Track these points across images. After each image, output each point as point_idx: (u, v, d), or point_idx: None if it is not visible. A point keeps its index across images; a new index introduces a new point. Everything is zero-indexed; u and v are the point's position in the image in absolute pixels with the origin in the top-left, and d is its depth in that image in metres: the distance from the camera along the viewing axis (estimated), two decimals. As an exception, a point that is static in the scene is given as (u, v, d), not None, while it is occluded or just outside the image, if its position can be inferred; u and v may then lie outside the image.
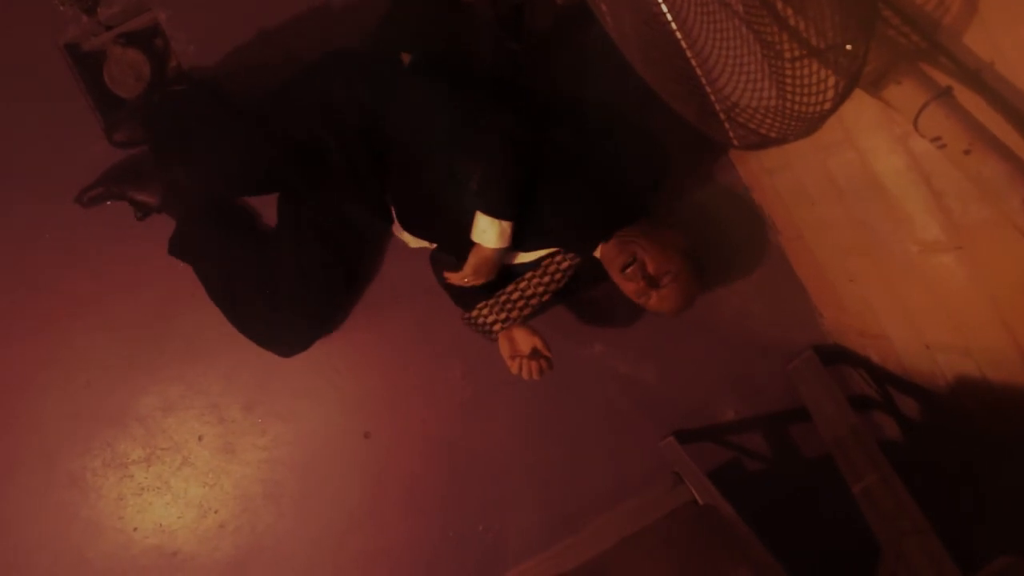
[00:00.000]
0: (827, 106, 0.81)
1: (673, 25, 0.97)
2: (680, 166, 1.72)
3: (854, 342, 1.85)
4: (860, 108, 1.17)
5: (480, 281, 1.64)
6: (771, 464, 1.98)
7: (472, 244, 1.59)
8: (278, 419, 1.93)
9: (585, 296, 1.87)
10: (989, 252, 1.12)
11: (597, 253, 1.63)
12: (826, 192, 1.50)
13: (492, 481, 1.95)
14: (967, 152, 0.83)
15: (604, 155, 1.57)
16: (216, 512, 1.94)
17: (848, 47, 0.75)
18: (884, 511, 1.41)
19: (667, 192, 1.80)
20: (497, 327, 1.65)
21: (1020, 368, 1.21)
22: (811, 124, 0.84)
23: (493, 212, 1.51)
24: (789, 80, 0.85)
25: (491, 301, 1.65)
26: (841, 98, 0.79)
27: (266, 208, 1.85)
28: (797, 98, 0.84)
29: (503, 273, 1.67)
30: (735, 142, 0.97)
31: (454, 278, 1.65)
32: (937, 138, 0.85)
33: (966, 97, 0.88)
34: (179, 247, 1.79)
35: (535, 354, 1.57)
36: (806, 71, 0.82)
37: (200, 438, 1.92)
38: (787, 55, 0.85)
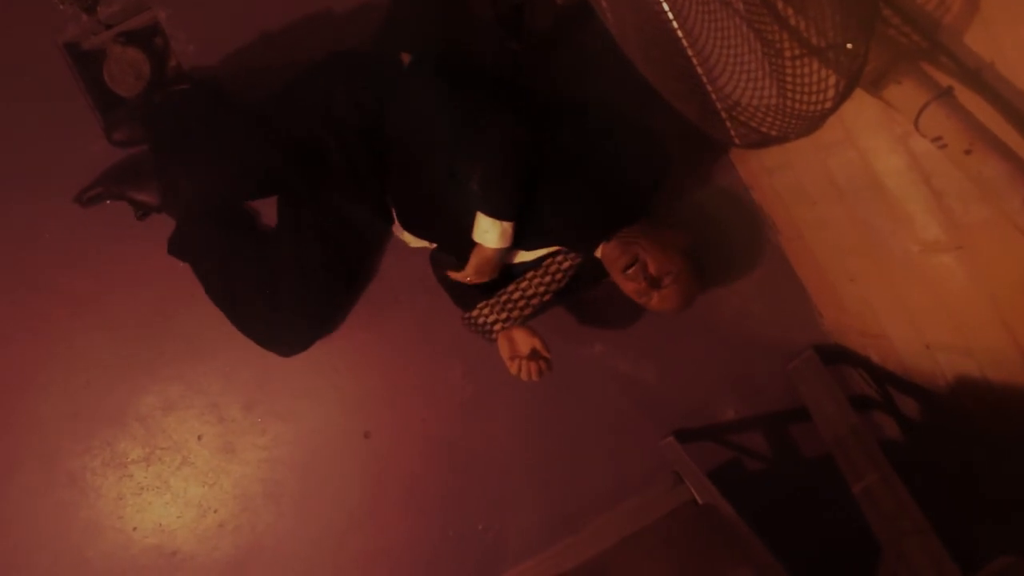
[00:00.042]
0: (828, 105, 0.81)
1: (674, 23, 0.97)
2: (680, 166, 1.72)
3: (854, 342, 1.85)
4: (861, 107, 1.17)
5: (482, 280, 1.64)
6: (771, 464, 1.98)
7: (472, 244, 1.59)
8: (278, 418, 1.93)
9: (585, 296, 1.87)
10: (990, 252, 1.12)
11: (598, 253, 1.63)
12: (826, 192, 1.50)
13: (492, 481, 1.95)
14: (968, 152, 0.83)
15: (604, 155, 1.57)
16: (216, 512, 1.94)
17: (849, 46, 0.75)
18: (884, 511, 1.41)
19: (667, 192, 1.80)
20: (498, 327, 1.65)
21: (1020, 368, 1.21)
22: (812, 123, 0.84)
23: (494, 213, 1.51)
24: (790, 79, 0.85)
25: (492, 301, 1.65)
26: (842, 97, 0.79)
27: (266, 208, 1.85)
28: (798, 97, 0.84)
29: (504, 272, 1.68)
30: (736, 140, 0.97)
31: (457, 276, 1.65)
32: (938, 138, 0.85)
33: (967, 97, 0.88)
34: (179, 247, 1.78)
35: (534, 355, 1.57)
36: (807, 70, 0.82)
37: (200, 437, 1.92)
38: (788, 54, 0.85)
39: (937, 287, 1.31)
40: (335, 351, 1.90)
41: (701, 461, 1.84)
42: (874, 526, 1.42)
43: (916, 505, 1.37)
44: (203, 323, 1.84)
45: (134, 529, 1.93)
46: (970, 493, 1.63)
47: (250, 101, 1.76)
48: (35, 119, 1.82)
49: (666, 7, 0.96)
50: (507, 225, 1.53)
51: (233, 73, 1.81)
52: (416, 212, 1.69)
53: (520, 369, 1.55)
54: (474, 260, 1.60)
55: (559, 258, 1.65)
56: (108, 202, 1.81)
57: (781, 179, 1.70)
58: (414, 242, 1.77)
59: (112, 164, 1.83)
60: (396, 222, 1.75)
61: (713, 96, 0.98)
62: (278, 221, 1.80)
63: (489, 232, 1.53)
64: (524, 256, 1.67)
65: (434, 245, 1.76)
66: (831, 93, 0.80)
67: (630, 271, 1.54)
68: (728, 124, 0.97)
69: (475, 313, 1.67)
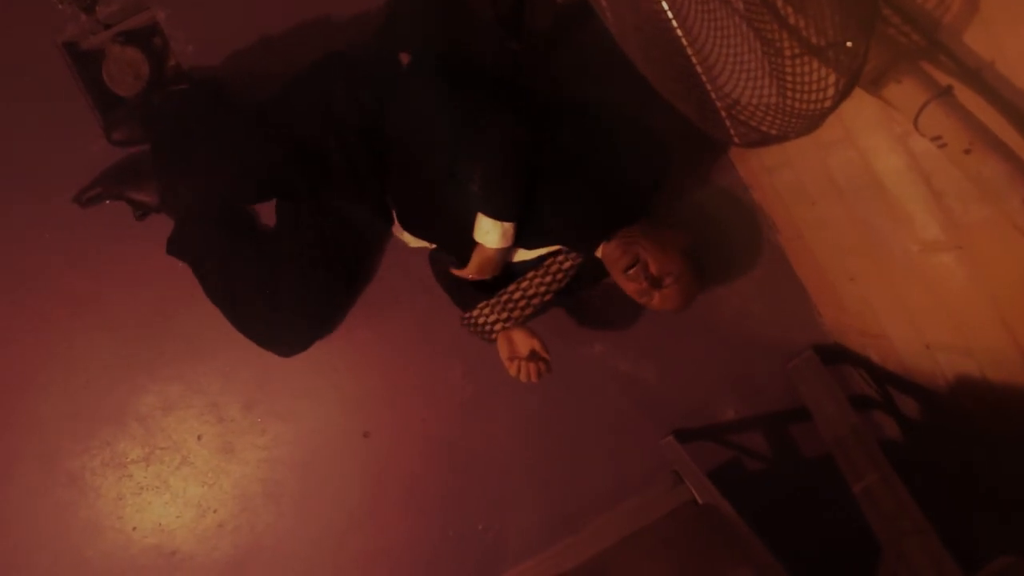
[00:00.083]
0: (827, 104, 0.81)
1: (674, 23, 0.97)
2: (680, 165, 1.72)
3: (854, 342, 1.85)
4: (860, 107, 1.17)
5: (483, 277, 1.64)
6: (771, 464, 1.98)
7: (473, 243, 1.59)
8: (278, 418, 1.93)
9: (585, 296, 1.87)
10: (989, 252, 1.12)
11: (598, 253, 1.63)
12: (826, 191, 1.49)
13: (492, 481, 1.95)
14: (967, 151, 0.83)
15: (604, 155, 1.57)
16: (215, 511, 1.94)
17: (848, 45, 0.75)
18: (885, 511, 1.41)
19: (667, 192, 1.80)
20: (498, 326, 1.65)
21: (1020, 368, 1.21)
22: (812, 122, 0.84)
23: (496, 213, 1.51)
24: (790, 78, 0.85)
25: (492, 300, 1.65)
26: (841, 96, 0.79)
27: (266, 208, 1.85)
28: (798, 96, 0.84)
29: (504, 271, 1.68)
30: (736, 140, 0.97)
31: (459, 273, 1.65)
32: (937, 137, 0.85)
33: (967, 96, 0.88)
34: (178, 247, 1.78)
35: (533, 356, 1.57)
36: (806, 69, 0.82)
37: (199, 437, 1.92)
38: (787, 53, 0.85)
39: (937, 287, 1.30)
40: (335, 351, 1.90)
41: (701, 461, 1.84)
42: (874, 526, 1.42)
43: (916, 505, 1.37)
44: (203, 323, 1.84)
45: (134, 529, 1.93)
46: (970, 493, 1.63)
47: (249, 101, 1.75)
48: (34, 119, 1.82)
49: (665, 6, 0.96)
50: (508, 225, 1.53)
51: (232, 73, 1.81)
52: (416, 212, 1.69)
53: (519, 370, 1.55)
54: (476, 260, 1.60)
55: (560, 258, 1.65)
56: (107, 202, 1.81)
57: (781, 178, 1.70)
58: (414, 242, 1.77)
59: (111, 164, 1.83)
60: (396, 222, 1.75)
61: (713, 95, 0.98)
62: (278, 221, 1.80)
63: (491, 233, 1.54)
64: (525, 255, 1.67)
65: (434, 245, 1.76)
66: (831, 92, 0.80)
67: (631, 272, 1.54)
68: (728, 123, 0.97)
69: (475, 313, 1.67)
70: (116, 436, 1.90)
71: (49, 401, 1.88)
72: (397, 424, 1.94)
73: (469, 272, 1.63)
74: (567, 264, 1.65)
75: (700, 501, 1.71)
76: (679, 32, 0.97)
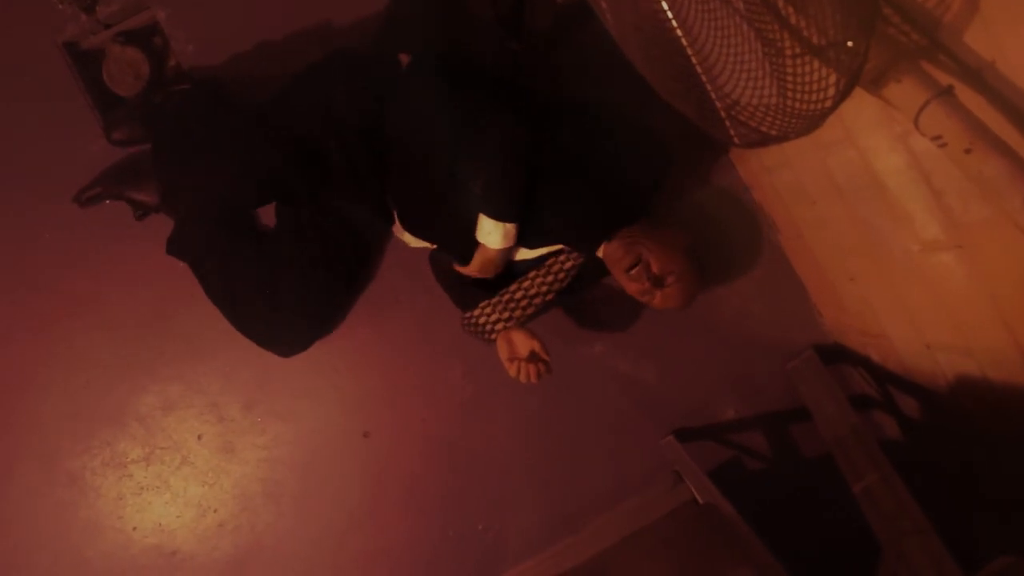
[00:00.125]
0: (828, 104, 0.81)
1: (674, 23, 0.97)
2: (680, 165, 1.72)
3: (854, 341, 1.85)
4: (860, 106, 1.17)
5: (485, 276, 1.64)
6: (771, 463, 1.98)
7: (474, 244, 1.59)
8: (278, 418, 1.93)
9: (585, 296, 1.87)
10: (990, 251, 1.12)
11: (600, 253, 1.63)
12: (826, 191, 1.49)
13: (492, 481, 1.95)
14: (968, 151, 0.83)
15: (604, 155, 1.57)
16: (215, 511, 1.94)
17: (849, 45, 0.75)
18: (885, 511, 1.41)
19: (667, 191, 1.80)
20: (500, 326, 1.65)
21: (1021, 368, 1.21)
22: (812, 122, 0.84)
23: (497, 214, 1.51)
24: (790, 78, 0.85)
25: (494, 300, 1.65)
26: (842, 96, 0.79)
27: (266, 208, 1.85)
28: (798, 96, 0.84)
29: (505, 269, 1.68)
30: (736, 140, 0.97)
31: (462, 270, 1.65)
32: (938, 137, 0.85)
33: (967, 96, 0.88)
34: (178, 246, 1.78)
35: (533, 357, 1.57)
36: (807, 69, 0.82)
37: (199, 437, 1.92)
38: (788, 53, 0.85)
39: (937, 286, 1.30)
40: (335, 351, 1.90)
41: (701, 461, 1.84)
42: (874, 526, 1.42)
43: (916, 505, 1.37)
44: (203, 323, 1.83)
45: (134, 529, 1.93)
46: (970, 493, 1.63)
47: (250, 101, 1.75)
48: (35, 119, 1.82)
49: (665, 6, 0.96)
50: (510, 226, 1.53)
51: (232, 73, 1.81)
52: (416, 212, 1.69)
53: (519, 371, 1.55)
54: (478, 260, 1.61)
55: (561, 257, 1.65)
56: (107, 202, 1.81)
57: (781, 178, 1.70)
58: (414, 242, 1.77)
59: (111, 164, 1.83)
60: (396, 222, 1.75)
61: (712, 95, 0.98)
62: (278, 221, 1.80)
63: (492, 234, 1.54)
64: (526, 254, 1.67)
65: (434, 245, 1.76)
66: (831, 92, 0.80)
67: (634, 271, 1.54)
68: (727, 123, 0.97)
69: (477, 312, 1.67)
70: (116, 436, 1.90)
71: (49, 401, 1.88)
72: (397, 424, 1.94)
73: (471, 271, 1.63)
74: (569, 264, 1.65)
75: (700, 501, 1.71)
76: (679, 32, 0.97)
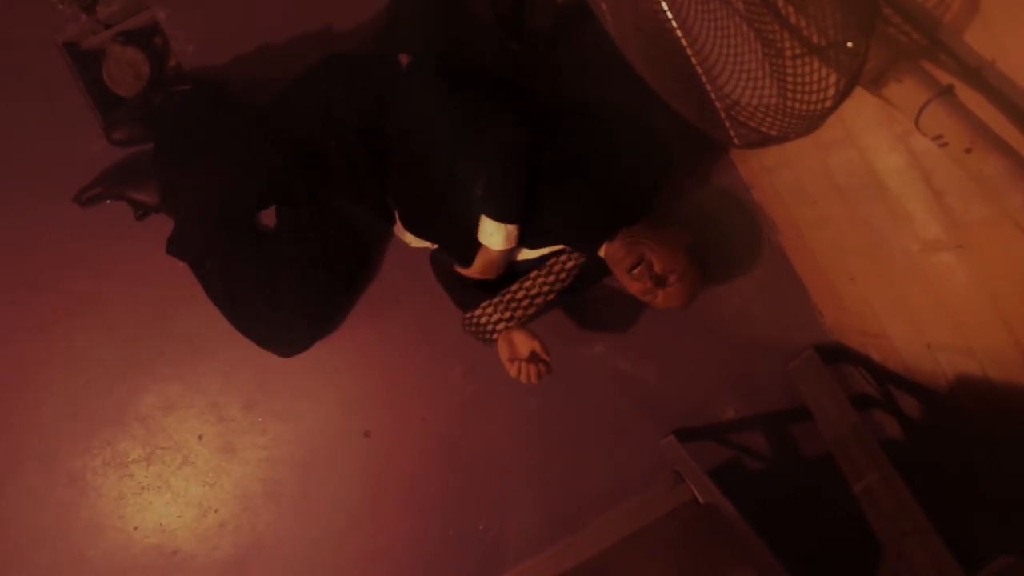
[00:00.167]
0: (828, 104, 0.80)
1: (674, 23, 0.97)
2: (680, 165, 1.72)
3: (855, 341, 1.85)
4: (861, 106, 1.17)
5: (487, 277, 1.64)
6: (772, 463, 1.98)
7: (475, 244, 1.58)
8: (278, 418, 1.93)
9: (585, 296, 1.87)
10: (990, 251, 1.12)
11: (601, 252, 1.63)
12: (826, 191, 1.49)
13: (492, 480, 1.95)
14: (968, 150, 0.83)
15: (604, 155, 1.57)
16: (216, 511, 1.94)
17: (849, 45, 0.75)
18: (885, 510, 1.41)
19: (667, 191, 1.80)
20: (501, 326, 1.65)
21: (1021, 367, 1.21)
22: (812, 122, 0.84)
23: (499, 215, 1.51)
24: (790, 78, 0.84)
25: (495, 300, 1.65)
26: (842, 96, 0.79)
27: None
28: (798, 96, 0.84)
29: (507, 269, 1.67)
30: (736, 141, 0.96)
31: (464, 271, 1.65)
32: (938, 136, 0.85)
33: (968, 95, 0.88)
34: (178, 246, 1.78)
35: (534, 358, 1.57)
36: (807, 69, 0.82)
37: (200, 437, 1.92)
38: (788, 53, 0.85)
39: (937, 286, 1.30)
40: (335, 351, 1.90)
41: (701, 461, 1.84)
42: (875, 526, 1.42)
43: (917, 505, 1.37)
44: (203, 323, 1.84)
45: (135, 529, 1.93)
46: (971, 493, 1.63)
47: (250, 102, 1.75)
48: (35, 119, 1.82)
49: (665, 6, 0.96)
50: (512, 227, 1.53)
51: (233, 73, 1.81)
52: (417, 212, 1.69)
53: (519, 372, 1.55)
54: (480, 261, 1.60)
55: (563, 257, 1.65)
56: (108, 202, 1.81)
57: (781, 178, 1.70)
58: (415, 242, 1.77)
59: (111, 164, 1.83)
60: (398, 222, 1.74)
61: (712, 96, 0.97)
62: (278, 221, 1.80)
63: (494, 235, 1.54)
64: (528, 254, 1.67)
65: (435, 246, 1.76)
66: (831, 92, 0.79)
67: (635, 271, 1.54)
68: (727, 124, 0.97)
69: (478, 312, 1.67)
70: (117, 436, 1.90)
71: (49, 401, 1.88)
72: (397, 424, 1.94)
73: (473, 272, 1.63)
74: (570, 263, 1.65)
75: (701, 500, 1.71)
76: (678, 32, 0.97)
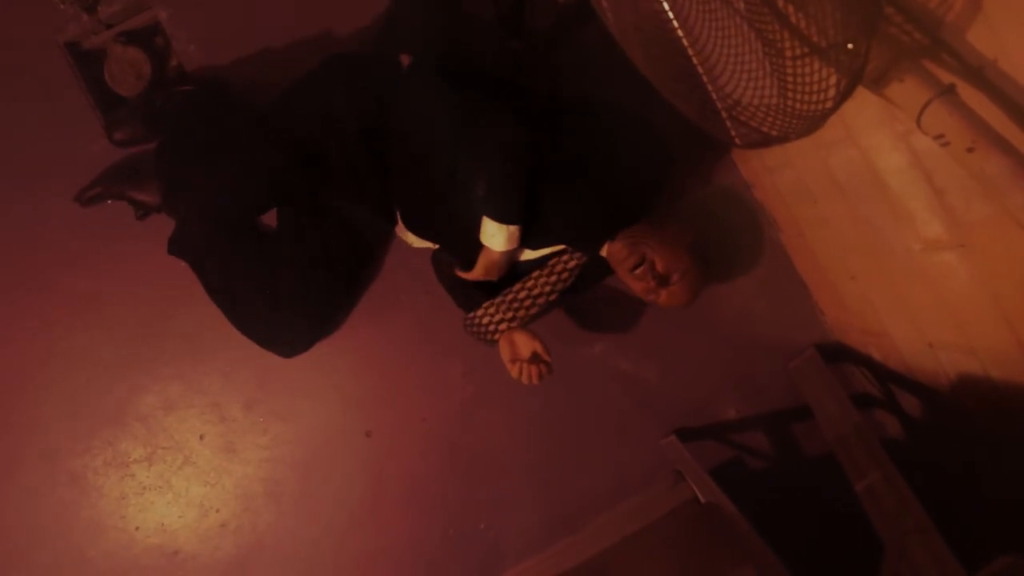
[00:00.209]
0: (829, 105, 0.80)
1: (675, 23, 0.97)
2: (682, 165, 1.72)
3: (856, 340, 1.85)
4: (862, 106, 1.17)
5: (490, 279, 1.64)
6: (773, 462, 1.98)
7: (476, 244, 1.58)
8: (279, 418, 1.93)
9: (586, 296, 1.87)
10: (992, 250, 1.12)
11: (603, 252, 1.63)
12: (828, 190, 1.49)
13: (493, 480, 1.95)
14: (970, 149, 0.83)
15: (605, 155, 1.57)
16: (217, 511, 1.94)
17: (850, 46, 0.75)
18: (887, 509, 1.41)
19: (669, 191, 1.79)
20: (503, 326, 1.65)
21: (1023, 366, 1.21)
22: (813, 122, 0.84)
23: (500, 217, 1.51)
24: (791, 78, 0.84)
25: (497, 300, 1.65)
26: (843, 97, 0.79)
27: (266, 207, 1.85)
28: (799, 96, 0.84)
29: (508, 270, 1.67)
30: (737, 140, 0.96)
31: (465, 275, 1.65)
32: (940, 135, 0.85)
33: (969, 94, 0.88)
34: (179, 246, 1.78)
35: (535, 358, 1.57)
36: (808, 69, 0.82)
37: (201, 437, 1.92)
38: (788, 53, 0.84)
39: (939, 285, 1.30)
40: (336, 351, 1.90)
41: (702, 460, 1.84)
42: (877, 524, 1.42)
43: (918, 503, 1.37)
44: (203, 323, 1.84)
45: (136, 529, 1.93)
46: (972, 492, 1.63)
47: (251, 102, 1.75)
48: (35, 119, 1.82)
49: (666, 6, 0.96)
50: (514, 228, 1.53)
51: (234, 73, 1.81)
52: (419, 212, 1.69)
53: (521, 372, 1.55)
54: (482, 263, 1.60)
55: (564, 257, 1.65)
56: (108, 202, 1.81)
57: (782, 178, 1.70)
58: (417, 242, 1.77)
59: (112, 163, 1.83)
60: (399, 222, 1.74)
61: (714, 95, 0.97)
62: (278, 221, 1.80)
63: (496, 236, 1.53)
64: (529, 255, 1.67)
65: (437, 246, 1.76)
66: (832, 92, 0.79)
67: (638, 271, 1.54)
68: (728, 124, 0.97)
69: (480, 313, 1.67)
70: (118, 436, 1.90)
71: (50, 401, 1.88)
72: (398, 424, 1.94)
73: (475, 275, 1.63)
74: (572, 263, 1.64)
75: (702, 499, 1.71)
76: (680, 32, 0.97)
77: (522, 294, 1.65)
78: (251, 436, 1.92)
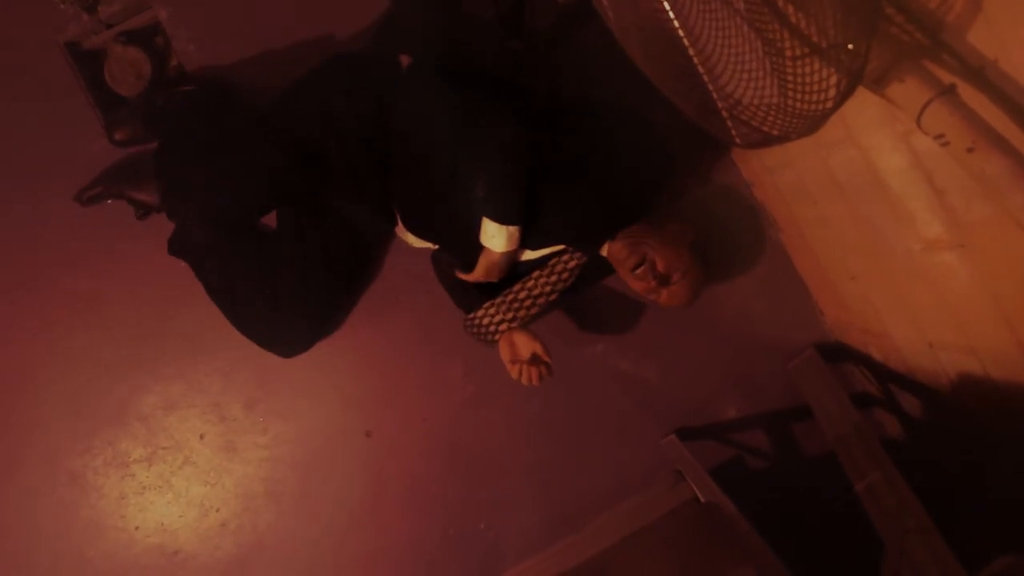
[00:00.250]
0: (829, 105, 0.80)
1: (675, 22, 0.97)
2: (682, 165, 1.72)
3: (856, 340, 1.85)
4: (862, 106, 1.17)
5: (490, 280, 1.64)
6: (773, 462, 1.98)
7: (476, 244, 1.58)
8: (279, 418, 1.93)
9: (586, 296, 1.87)
10: (992, 250, 1.12)
11: (603, 252, 1.63)
12: (828, 190, 1.49)
13: (493, 480, 1.95)
14: (970, 150, 0.83)
15: (605, 155, 1.57)
16: (217, 511, 1.94)
17: (850, 46, 0.75)
18: (887, 509, 1.41)
19: (669, 190, 1.79)
20: (504, 327, 1.65)
21: (1023, 366, 1.21)
22: (813, 122, 0.84)
23: (500, 217, 1.51)
24: (791, 78, 0.84)
25: (498, 300, 1.65)
26: (843, 97, 0.78)
27: (267, 207, 1.85)
28: (799, 96, 0.84)
29: (509, 270, 1.67)
30: (737, 140, 0.96)
31: (466, 277, 1.65)
32: (940, 136, 0.85)
33: (969, 95, 0.88)
34: (179, 246, 1.78)
35: (535, 359, 1.57)
36: (808, 69, 0.82)
37: (201, 437, 1.92)
38: (789, 53, 0.84)
39: (939, 285, 1.30)
40: (336, 351, 1.90)
41: (703, 460, 1.84)
42: (877, 524, 1.42)
43: (919, 503, 1.37)
44: (203, 322, 1.84)
45: (136, 528, 1.93)
46: (972, 492, 1.63)
47: (251, 102, 1.75)
48: (35, 118, 1.82)
49: (667, 6, 0.96)
50: (514, 229, 1.53)
51: (234, 73, 1.81)
52: (419, 213, 1.69)
53: (521, 373, 1.55)
54: (482, 264, 1.60)
55: (565, 257, 1.64)
56: (108, 201, 1.81)
57: (783, 177, 1.70)
58: (417, 243, 1.77)
59: (112, 163, 1.82)
60: (399, 223, 1.74)
61: (714, 95, 0.97)
62: (278, 221, 1.80)
63: (496, 237, 1.53)
64: (530, 255, 1.67)
65: (437, 246, 1.76)
66: (832, 93, 0.79)
67: (639, 271, 1.54)
68: (729, 123, 0.97)
69: (480, 313, 1.67)
70: (118, 435, 1.90)
71: (50, 401, 1.88)
72: (398, 424, 1.94)
73: (476, 276, 1.62)
74: (572, 263, 1.64)
75: (702, 499, 1.71)
76: (680, 32, 0.97)
77: (522, 294, 1.65)
78: (251, 436, 1.92)
